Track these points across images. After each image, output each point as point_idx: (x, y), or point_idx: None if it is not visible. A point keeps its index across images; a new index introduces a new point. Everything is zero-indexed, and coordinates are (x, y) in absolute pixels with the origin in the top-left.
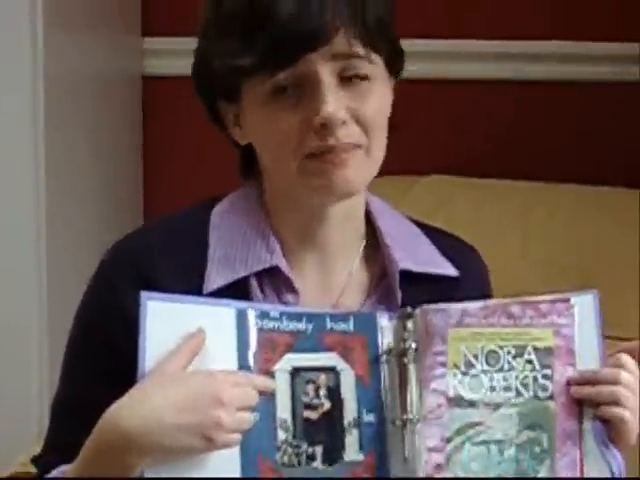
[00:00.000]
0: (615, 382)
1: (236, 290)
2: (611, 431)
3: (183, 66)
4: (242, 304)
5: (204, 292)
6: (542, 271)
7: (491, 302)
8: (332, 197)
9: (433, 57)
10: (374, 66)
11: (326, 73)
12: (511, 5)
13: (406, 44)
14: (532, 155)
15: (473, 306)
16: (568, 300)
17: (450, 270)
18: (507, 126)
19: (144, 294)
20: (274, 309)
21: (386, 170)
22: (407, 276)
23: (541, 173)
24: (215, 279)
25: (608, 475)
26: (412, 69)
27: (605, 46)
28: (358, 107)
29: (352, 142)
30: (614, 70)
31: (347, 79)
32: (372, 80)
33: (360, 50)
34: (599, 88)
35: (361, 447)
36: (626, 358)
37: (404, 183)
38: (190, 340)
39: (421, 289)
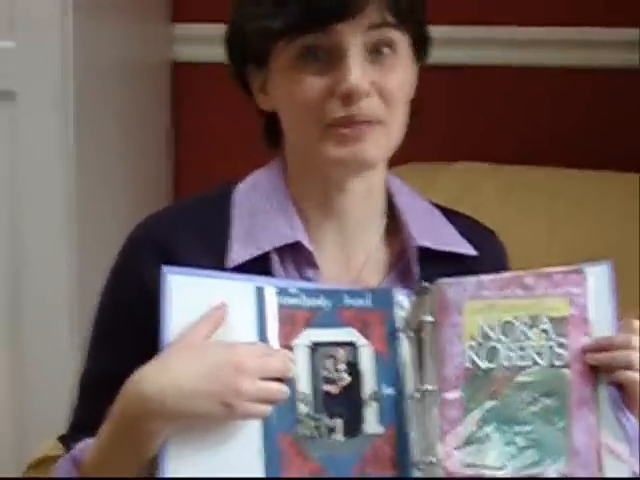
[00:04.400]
0: (628, 347)
1: (258, 265)
2: (626, 396)
3: (213, 52)
4: (261, 280)
5: (227, 267)
6: (569, 259)
7: (506, 274)
8: (349, 169)
9: (460, 44)
10: (401, 40)
11: (355, 44)
12: None
13: (438, 30)
14: (560, 142)
15: (488, 278)
16: (581, 271)
17: (469, 250)
18: (536, 113)
19: (166, 268)
20: (293, 285)
21: (415, 156)
22: (426, 254)
23: (569, 160)
24: (237, 254)
25: (623, 438)
26: (441, 55)
27: None
28: (382, 80)
29: (373, 114)
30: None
31: (375, 51)
32: (398, 53)
33: (391, 19)
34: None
35: (381, 420)
36: (638, 324)
37: (432, 170)
38: (212, 313)
39: (440, 267)
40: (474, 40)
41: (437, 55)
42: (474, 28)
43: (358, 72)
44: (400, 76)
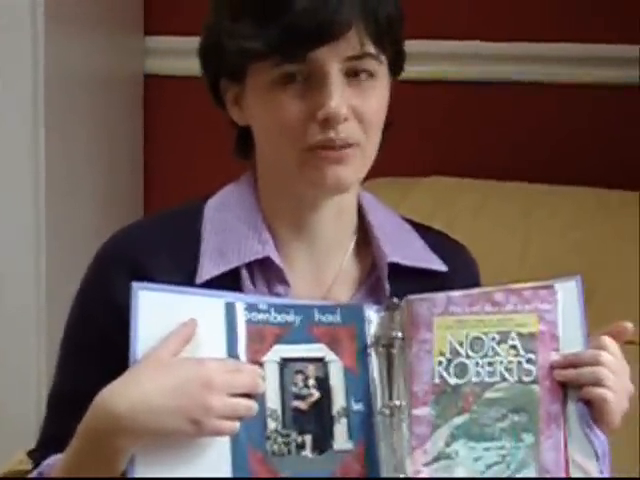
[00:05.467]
0: (597, 363)
1: (228, 281)
2: (595, 412)
3: (185, 65)
4: (231, 296)
5: (196, 283)
6: (542, 274)
7: (475, 290)
8: (325, 191)
9: (433, 58)
10: (381, 65)
11: (335, 69)
12: (512, 7)
13: (407, 44)
14: (533, 157)
15: (457, 294)
16: (552, 286)
17: (439, 265)
18: (507, 128)
19: (136, 284)
20: (262, 301)
21: (387, 171)
22: (396, 270)
23: (542, 175)
24: (207, 270)
25: (592, 456)
26: (412, 70)
27: (606, 48)
28: (360, 105)
29: (351, 138)
30: (615, 73)
31: (353, 75)
32: (376, 78)
33: (371, 49)
34: (600, 90)
35: (350, 436)
36: (607, 340)
37: (404, 184)
38: (181, 329)
39: (410, 284)
40: (452, 55)
41: (409, 70)
42: (451, 43)
43: (338, 97)
44: (378, 100)
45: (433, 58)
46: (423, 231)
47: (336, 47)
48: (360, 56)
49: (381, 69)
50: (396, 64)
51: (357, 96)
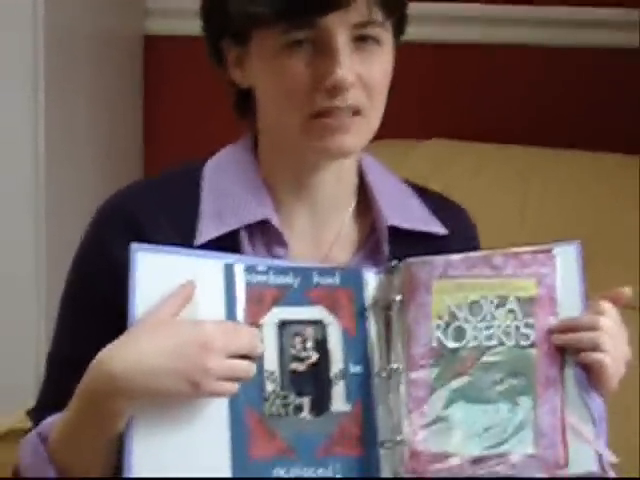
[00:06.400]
0: (595, 328)
1: (226, 243)
2: (592, 377)
3: (186, 26)
4: (230, 258)
5: (195, 244)
6: (540, 237)
7: (474, 254)
8: (328, 158)
9: (431, 21)
10: (386, 31)
11: (343, 36)
12: None
13: (414, 7)
14: (531, 120)
15: (456, 258)
16: (550, 251)
17: (439, 228)
18: (508, 91)
19: (134, 245)
20: (262, 263)
21: (388, 133)
22: (396, 233)
23: (540, 139)
24: (206, 232)
25: (589, 420)
26: (412, 32)
27: (604, 12)
28: (366, 71)
29: (356, 105)
30: (613, 36)
31: (360, 40)
32: (382, 45)
33: (379, 16)
34: (598, 54)
35: (348, 398)
36: (606, 305)
37: (404, 146)
38: (180, 290)
39: (410, 246)
40: (452, 17)
41: (408, 32)
42: (450, 5)
43: (346, 66)
44: (383, 67)
45: (430, 20)
46: (423, 193)
47: (344, 14)
48: (368, 23)
49: (386, 35)
50: (399, 28)
51: (363, 63)
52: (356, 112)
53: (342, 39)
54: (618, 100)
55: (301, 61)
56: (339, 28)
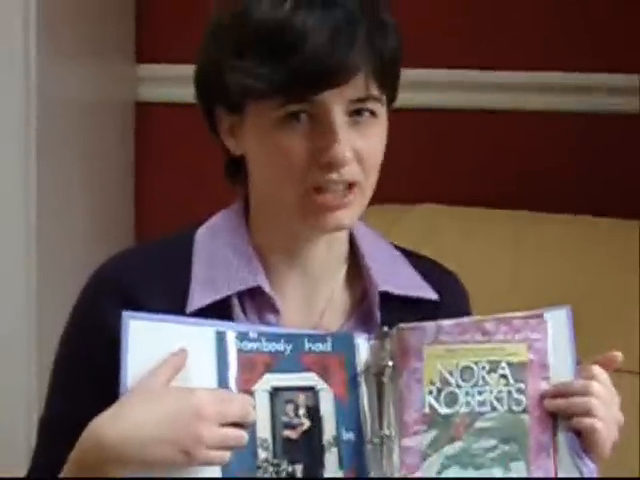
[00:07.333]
0: (587, 393)
1: (218, 310)
2: (585, 442)
3: (177, 93)
4: (222, 325)
5: (187, 312)
6: (532, 303)
7: (465, 319)
8: (323, 233)
9: (422, 87)
10: (381, 103)
11: (340, 111)
12: (498, 35)
13: (405, 74)
14: (526, 185)
15: (448, 323)
16: (541, 316)
17: (430, 293)
18: (501, 156)
19: (126, 313)
20: (253, 330)
21: (379, 198)
22: (387, 298)
23: (533, 203)
24: (198, 299)
25: None
26: (402, 98)
27: (604, 77)
28: (362, 147)
29: (352, 179)
30: (613, 101)
31: (356, 114)
32: (378, 118)
33: (375, 91)
34: (597, 119)
35: (341, 465)
36: (598, 369)
37: (394, 211)
38: (172, 358)
39: (401, 312)
40: (441, 83)
41: (402, 98)
42: (437, 71)
43: (343, 142)
44: (379, 140)
45: (420, 86)
46: (414, 258)
47: (342, 90)
48: (365, 98)
49: (381, 107)
50: (392, 98)
51: (360, 138)
52: (351, 184)
53: (339, 114)
54: (613, 165)
55: (297, 135)
56: (336, 103)
